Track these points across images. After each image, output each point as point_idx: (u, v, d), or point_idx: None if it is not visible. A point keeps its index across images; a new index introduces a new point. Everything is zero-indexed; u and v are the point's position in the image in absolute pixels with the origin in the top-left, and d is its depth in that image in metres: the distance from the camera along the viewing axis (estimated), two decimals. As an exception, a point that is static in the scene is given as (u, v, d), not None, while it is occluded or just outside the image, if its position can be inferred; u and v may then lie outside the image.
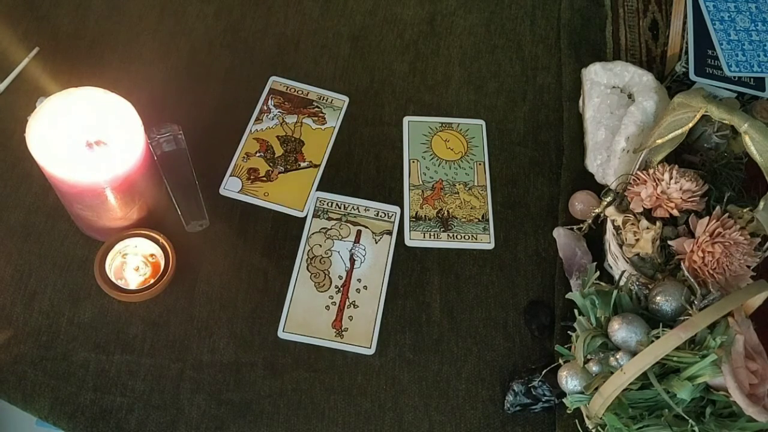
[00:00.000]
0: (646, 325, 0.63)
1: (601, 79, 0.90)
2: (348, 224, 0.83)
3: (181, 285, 0.77)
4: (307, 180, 0.85)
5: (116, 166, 0.66)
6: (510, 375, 0.76)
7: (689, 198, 0.72)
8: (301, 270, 0.79)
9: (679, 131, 0.73)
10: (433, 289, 0.80)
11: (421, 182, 0.87)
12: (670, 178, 0.72)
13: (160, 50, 0.93)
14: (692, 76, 0.86)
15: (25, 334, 0.73)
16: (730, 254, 0.68)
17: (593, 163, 0.86)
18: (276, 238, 0.81)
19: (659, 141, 0.74)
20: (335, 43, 0.96)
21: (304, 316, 0.77)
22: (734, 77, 0.87)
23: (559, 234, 0.83)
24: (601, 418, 0.64)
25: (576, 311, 0.70)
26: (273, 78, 0.92)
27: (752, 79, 0.87)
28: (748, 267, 0.69)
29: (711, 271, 0.68)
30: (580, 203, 0.83)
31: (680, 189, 0.72)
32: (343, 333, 0.76)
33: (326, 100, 0.91)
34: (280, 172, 0.85)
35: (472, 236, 0.83)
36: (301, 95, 0.91)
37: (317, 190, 0.85)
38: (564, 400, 0.67)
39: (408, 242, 0.83)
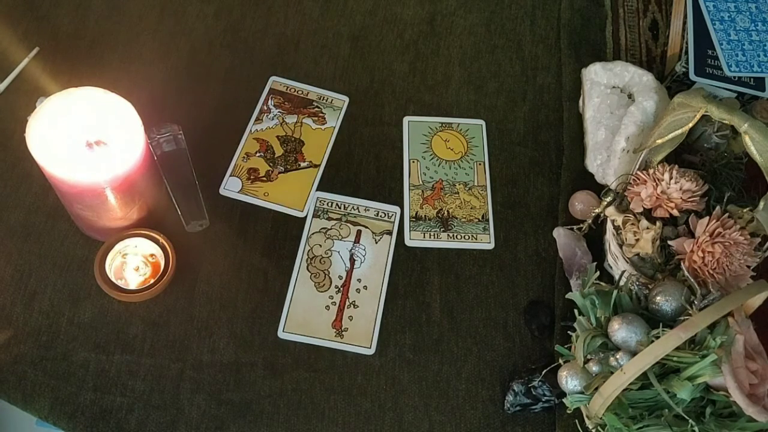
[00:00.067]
0: (646, 325, 0.63)
1: (601, 79, 0.90)
2: (348, 224, 0.83)
3: (181, 285, 0.77)
4: (307, 180, 0.85)
5: (116, 166, 0.66)
6: (510, 375, 0.76)
7: (689, 198, 0.72)
8: (301, 270, 0.79)
9: (679, 131, 0.73)
10: (433, 289, 0.80)
11: (421, 182, 0.87)
12: (670, 178, 0.72)
13: (160, 50, 0.93)
14: (692, 76, 0.86)
15: (25, 334, 0.73)
16: (730, 254, 0.68)
17: (593, 163, 0.86)
18: (276, 238, 0.81)
19: (659, 141, 0.74)
20: (335, 43, 0.96)
21: (304, 316, 0.77)
22: (734, 77, 0.87)
23: (559, 234, 0.83)
24: (601, 418, 0.64)
25: (576, 311, 0.70)
26: (273, 78, 0.92)
27: (752, 79, 0.87)
28: (748, 267, 0.69)
29: (711, 271, 0.68)
30: (580, 203, 0.83)
31: (680, 189, 0.72)
32: (343, 333, 0.76)
33: (326, 100, 0.91)
34: (280, 172, 0.85)
35: (472, 236, 0.83)
36: (301, 95, 0.91)
37: (317, 190, 0.85)
38: (564, 400, 0.67)
39: (408, 242, 0.83)
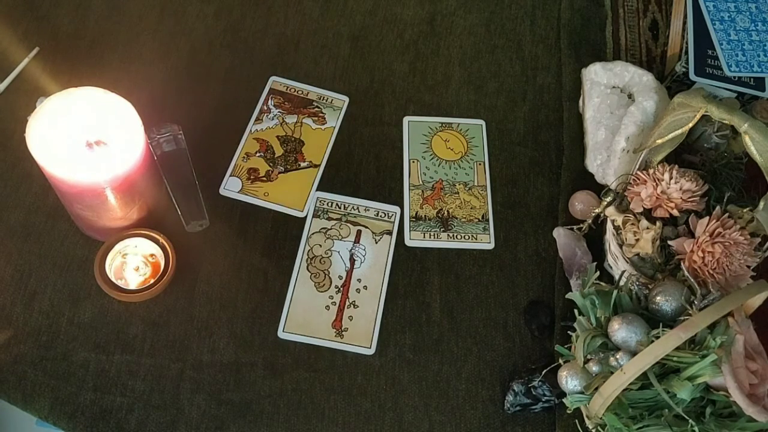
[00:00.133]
0: (646, 325, 0.63)
1: (601, 79, 0.90)
2: (348, 224, 0.83)
3: (181, 285, 0.77)
4: (307, 180, 0.85)
5: (116, 166, 0.66)
6: (510, 375, 0.76)
7: (689, 198, 0.72)
8: (301, 270, 0.79)
9: (679, 131, 0.73)
10: (433, 289, 0.80)
11: (421, 182, 0.87)
12: (670, 178, 0.72)
13: (160, 50, 0.93)
14: (692, 76, 0.86)
15: (25, 334, 0.73)
16: (730, 254, 0.68)
17: (593, 163, 0.86)
18: (276, 238, 0.81)
19: (659, 141, 0.74)
20: (335, 43, 0.96)
21: (304, 316, 0.77)
22: (734, 77, 0.87)
23: (559, 234, 0.83)
24: (601, 418, 0.64)
25: (576, 311, 0.70)
26: (273, 78, 0.92)
27: (752, 79, 0.87)
28: (748, 267, 0.69)
29: (711, 271, 0.68)
30: (580, 203, 0.83)
31: (680, 189, 0.72)
32: (343, 333, 0.76)
33: (326, 100, 0.91)
34: (280, 172, 0.85)
35: (472, 236, 0.83)
36: (301, 95, 0.91)
37: (317, 190, 0.85)
38: (564, 400, 0.67)
39: (408, 242, 0.83)
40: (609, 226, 0.77)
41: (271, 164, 0.86)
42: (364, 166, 0.87)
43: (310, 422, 0.72)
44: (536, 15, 1.02)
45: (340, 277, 0.79)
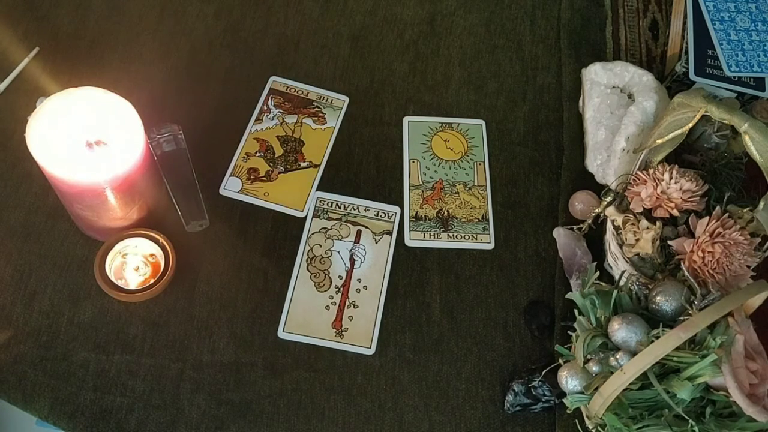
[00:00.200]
0: (646, 325, 0.63)
1: (601, 79, 0.90)
2: (348, 224, 0.83)
3: (181, 285, 0.77)
4: (307, 180, 0.85)
5: (116, 166, 0.66)
6: (510, 375, 0.76)
7: (689, 198, 0.72)
8: (301, 270, 0.79)
9: (679, 131, 0.73)
10: (433, 289, 0.80)
11: (421, 182, 0.87)
12: (670, 178, 0.72)
13: (160, 50, 0.93)
14: (692, 76, 0.86)
15: (25, 334, 0.73)
16: (730, 254, 0.68)
17: (593, 163, 0.86)
18: (276, 238, 0.81)
19: (659, 141, 0.74)
20: (335, 43, 0.96)
21: (304, 316, 0.77)
22: (734, 77, 0.87)
23: (559, 234, 0.83)
24: (601, 418, 0.64)
25: (576, 311, 0.70)
26: (273, 78, 0.92)
27: (752, 79, 0.87)
28: (748, 267, 0.69)
29: (711, 271, 0.68)
30: (580, 203, 0.83)
31: (680, 189, 0.72)
32: (343, 333, 0.76)
33: (326, 100, 0.91)
34: (280, 172, 0.85)
35: (472, 236, 0.83)
36: (301, 95, 0.91)
37: (317, 190, 0.85)
38: (564, 400, 0.67)
39: (408, 242, 0.83)
40: (609, 226, 0.77)
41: (271, 164, 0.86)
42: (364, 166, 0.87)
43: (310, 422, 0.72)
44: (536, 15, 1.02)
45: (340, 277, 0.79)
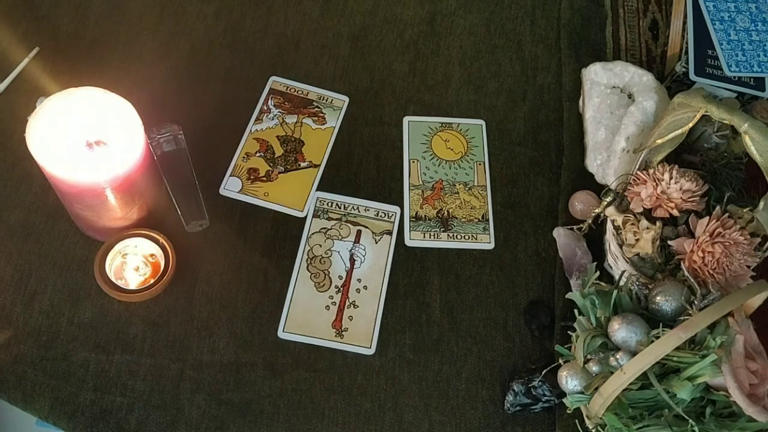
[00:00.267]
0: (646, 325, 0.63)
1: (601, 79, 0.90)
2: (348, 224, 0.83)
3: (181, 285, 0.77)
4: (307, 180, 0.85)
5: (116, 166, 0.66)
6: (510, 375, 0.76)
7: (689, 198, 0.72)
8: (301, 270, 0.79)
9: (679, 131, 0.73)
10: (433, 289, 0.80)
11: (421, 182, 0.87)
12: (670, 178, 0.72)
13: (160, 50, 0.93)
14: (692, 76, 0.86)
15: (25, 334, 0.73)
16: (730, 254, 0.68)
17: (593, 163, 0.86)
18: (276, 238, 0.81)
19: (659, 141, 0.74)
20: (335, 43, 0.96)
21: (304, 316, 0.77)
22: (734, 77, 0.87)
23: (559, 234, 0.83)
24: (601, 418, 0.64)
25: (576, 311, 0.70)
26: (273, 78, 0.92)
27: (752, 79, 0.87)
28: (748, 267, 0.69)
29: (711, 271, 0.68)
30: (580, 203, 0.83)
31: (680, 189, 0.72)
32: (343, 333, 0.76)
33: (326, 100, 0.91)
34: (280, 172, 0.85)
35: (472, 236, 0.83)
36: (301, 95, 0.91)
37: (317, 190, 0.85)
38: (564, 400, 0.67)
39: (408, 242, 0.83)
40: (609, 226, 0.77)
41: (271, 164, 0.86)
42: (364, 166, 0.87)
43: (310, 422, 0.72)
44: (536, 15, 1.02)
45: (340, 277, 0.79)
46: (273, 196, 0.84)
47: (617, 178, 0.80)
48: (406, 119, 0.91)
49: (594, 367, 0.64)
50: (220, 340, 0.75)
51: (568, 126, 0.91)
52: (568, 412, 0.68)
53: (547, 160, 0.90)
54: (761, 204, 0.69)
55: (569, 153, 0.89)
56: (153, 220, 0.77)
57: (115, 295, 0.72)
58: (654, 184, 0.73)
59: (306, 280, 0.79)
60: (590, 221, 0.81)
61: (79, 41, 0.92)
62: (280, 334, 0.76)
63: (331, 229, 0.82)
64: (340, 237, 0.82)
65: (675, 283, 0.66)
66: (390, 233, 0.83)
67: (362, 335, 0.76)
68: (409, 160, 0.88)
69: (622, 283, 0.69)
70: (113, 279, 0.74)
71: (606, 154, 0.85)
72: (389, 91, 0.93)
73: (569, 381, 0.66)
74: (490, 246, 0.83)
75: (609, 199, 0.78)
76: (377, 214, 0.84)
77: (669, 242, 0.72)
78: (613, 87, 0.90)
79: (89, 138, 0.66)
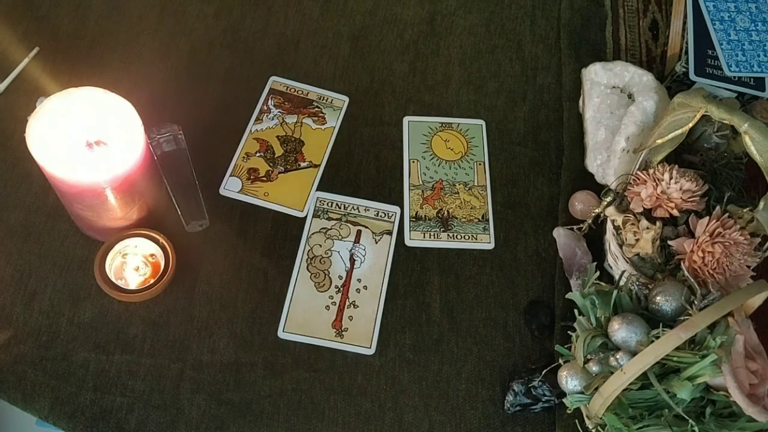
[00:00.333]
0: (646, 325, 0.63)
1: (601, 79, 0.90)
2: (348, 224, 0.83)
3: (181, 285, 0.77)
4: (307, 180, 0.85)
5: (116, 166, 0.66)
6: (510, 375, 0.76)
7: (689, 198, 0.72)
8: (301, 270, 0.79)
9: (679, 131, 0.73)
10: (433, 289, 0.80)
11: (421, 182, 0.87)
12: (670, 178, 0.72)
13: (160, 50, 0.93)
14: (692, 76, 0.86)
15: (25, 334, 0.73)
16: (730, 254, 0.68)
17: (593, 163, 0.86)
18: (276, 238, 0.81)
19: (659, 141, 0.74)
20: (335, 43, 0.96)
21: (304, 316, 0.77)
22: (734, 77, 0.87)
23: (559, 234, 0.83)
24: (601, 418, 0.64)
25: (576, 311, 0.70)
26: (273, 78, 0.92)
27: (752, 79, 0.87)
28: (748, 267, 0.69)
29: (711, 271, 0.68)
30: (580, 203, 0.83)
31: (680, 189, 0.72)
32: (343, 333, 0.76)
33: (326, 100, 0.91)
34: (280, 172, 0.85)
35: (472, 236, 0.83)
36: (301, 95, 0.91)
37: (317, 190, 0.85)
38: (564, 400, 0.67)
39: (408, 242, 0.83)
40: (609, 226, 0.77)
41: (271, 164, 0.86)
42: (364, 166, 0.87)
43: (310, 422, 0.72)
44: (536, 15, 1.02)
45: (340, 277, 0.79)
46: (273, 196, 0.84)
47: (617, 178, 0.80)
48: (406, 119, 0.91)
49: (594, 367, 0.64)
50: (220, 340, 0.75)
51: (568, 126, 0.91)
52: (568, 412, 0.68)
53: (547, 160, 0.90)
54: (761, 204, 0.69)
55: (569, 153, 0.89)
56: (153, 220, 0.77)
57: (115, 295, 0.72)
58: (654, 184, 0.73)
59: (306, 280, 0.79)
60: (590, 221, 0.81)
61: (79, 41, 0.92)
62: (280, 334, 0.76)
63: (331, 229, 0.82)
64: (340, 237, 0.82)
65: (675, 283, 0.66)
66: (390, 233, 0.83)
67: (362, 335, 0.76)
68: (409, 160, 0.88)
69: (622, 283, 0.69)
70: (113, 279, 0.74)
71: (606, 154, 0.85)
72: (389, 91, 0.93)
73: (569, 381, 0.66)
74: (490, 246, 0.83)
75: (609, 199, 0.78)
76: (377, 214, 0.84)
77: (669, 242, 0.72)
78: (613, 87, 0.90)
79: (89, 138, 0.66)
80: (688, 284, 0.66)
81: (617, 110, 0.87)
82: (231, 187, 0.84)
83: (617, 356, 0.62)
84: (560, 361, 0.70)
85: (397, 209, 0.84)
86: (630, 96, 0.89)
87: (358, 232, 0.82)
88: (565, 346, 0.70)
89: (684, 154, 0.83)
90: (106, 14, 0.95)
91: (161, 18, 0.95)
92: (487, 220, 0.85)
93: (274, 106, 0.90)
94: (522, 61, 0.97)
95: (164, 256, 0.75)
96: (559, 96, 0.94)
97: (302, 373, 0.74)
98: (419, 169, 0.88)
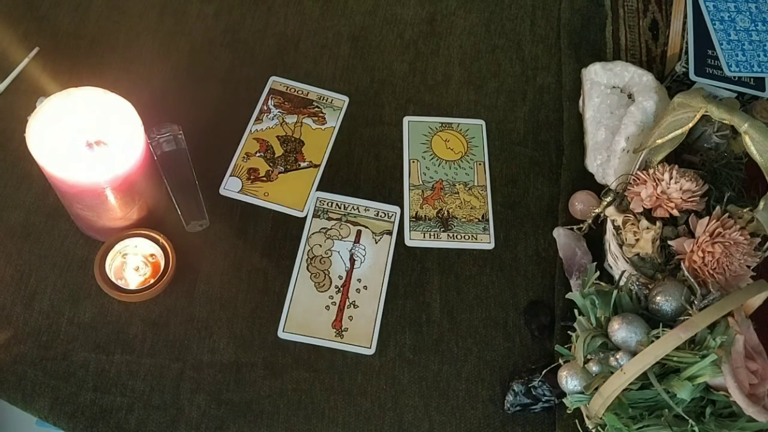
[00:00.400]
0: (646, 325, 0.63)
1: (601, 79, 0.90)
2: (348, 224, 0.83)
3: (181, 285, 0.77)
4: (307, 180, 0.85)
5: (116, 166, 0.66)
6: (510, 375, 0.76)
7: (689, 198, 0.72)
8: (301, 270, 0.79)
9: (679, 131, 0.73)
10: (433, 289, 0.80)
11: (421, 182, 0.87)
12: (670, 178, 0.72)
13: (160, 50, 0.93)
14: (692, 76, 0.86)
15: (25, 334, 0.73)
16: (730, 254, 0.68)
17: (593, 163, 0.86)
18: (276, 238, 0.81)
19: (659, 141, 0.74)
20: (335, 43, 0.96)
21: (304, 316, 0.77)
22: (734, 77, 0.87)
23: (559, 234, 0.83)
24: (601, 418, 0.64)
25: (576, 311, 0.70)
26: (273, 78, 0.92)
27: (752, 79, 0.87)
28: (748, 267, 0.69)
29: (711, 271, 0.68)
30: (580, 203, 0.83)
31: (680, 189, 0.72)
32: (343, 333, 0.76)
33: (326, 100, 0.91)
34: (280, 172, 0.85)
35: (472, 236, 0.83)
36: (301, 95, 0.91)
37: (317, 190, 0.85)
38: (564, 400, 0.67)
39: (408, 242, 0.83)
40: (609, 226, 0.77)
41: (271, 164, 0.86)
42: (364, 166, 0.87)
43: (310, 422, 0.72)
44: (536, 15, 1.02)
45: (340, 277, 0.79)
46: (273, 196, 0.84)
47: (617, 178, 0.80)
48: (406, 119, 0.91)
49: (594, 367, 0.64)
50: (220, 340, 0.75)
51: (568, 126, 0.91)
52: (568, 412, 0.68)
53: (547, 160, 0.90)
54: (761, 204, 0.69)
55: (569, 153, 0.89)
56: (153, 220, 0.77)
57: (115, 295, 0.72)
58: (654, 184, 0.73)
59: (306, 280, 0.79)
60: (590, 221, 0.81)
61: (79, 41, 0.92)
62: (280, 334, 0.76)
63: (331, 229, 0.82)
64: (340, 237, 0.82)
65: (675, 283, 0.66)
66: (390, 233, 0.83)
67: (362, 335, 0.76)
68: (409, 160, 0.88)
69: (622, 283, 0.69)
70: (113, 279, 0.74)
71: (606, 154, 0.85)
72: (389, 91, 0.93)
73: (569, 381, 0.66)
74: (490, 246, 0.83)
75: (609, 199, 0.78)
76: (377, 214, 0.84)
77: (669, 242, 0.72)
78: (613, 87, 0.90)
79: (89, 138, 0.66)
80: (688, 284, 0.66)
81: (617, 110, 0.87)
82: (231, 187, 0.84)
83: (617, 356, 0.62)
84: (560, 361, 0.70)
85: (397, 209, 0.84)
86: (630, 96, 0.89)
87: (358, 232, 0.82)
88: (565, 346, 0.70)
89: (684, 154, 0.83)
90: (106, 14, 0.95)
91: (161, 18, 0.95)
92: (487, 220, 0.85)
93: (274, 106, 0.90)
94: (522, 61, 0.97)
95: (164, 256, 0.75)
96: (559, 96, 0.94)
97: (302, 373, 0.74)
98: (419, 169, 0.88)
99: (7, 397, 0.70)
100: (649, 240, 0.72)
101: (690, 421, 0.60)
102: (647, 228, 0.73)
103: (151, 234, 0.75)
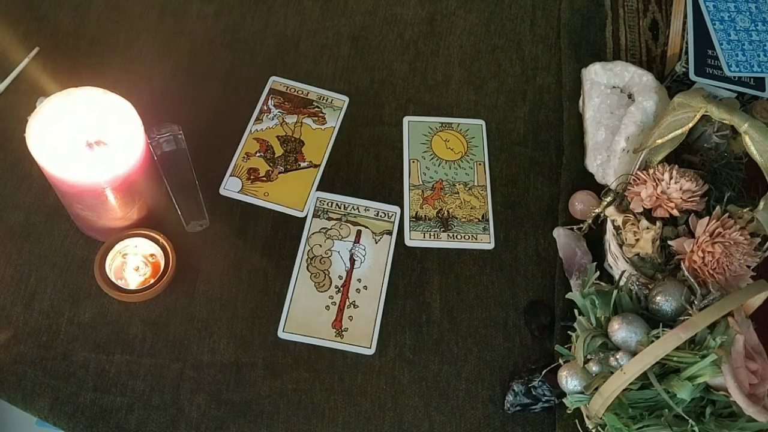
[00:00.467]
0: (646, 325, 0.63)
1: (601, 79, 0.90)
2: (348, 224, 0.83)
3: (181, 285, 0.77)
4: (307, 180, 0.85)
5: (116, 166, 0.66)
6: (510, 375, 0.76)
7: (689, 198, 0.72)
8: (301, 270, 0.79)
9: (679, 131, 0.73)
10: (433, 289, 0.80)
11: (421, 182, 0.87)
12: (670, 178, 0.72)
13: (160, 50, 0.93)
14: (692, 76, 0.86)
15: (25, 334, 0.73)
16: (730, 254, 0.68)
17: (593, 163, 0.86)
18: (276, 238, 0.81)
19: (659, 141, 0.74)
20: (335, 43, 0.96)
21: (304, 316, 0.77)
22: (734, 77, 0.87)
23: (559, 234, 0.83)
24: (601, 418, 0.64)
25: (576, 311, 0.70)
26: (273, 78, 0.92)
27: (752, 79, 0.87)
28: (748, 267, 0.69)
29: (711, 271, 0.68)
30: (580, 203, 0.83)
31: (680, 189, 0.72)
32: (343, 333, 0.76)
33: (326, 100, 0.91)
34: (280, 172, 0.85)
35: (472, 236, 0.83)
36: (301, 95, 0.91)
37: (317, 190, 0.85)
38: (564, 400, 0.67)
39: (408, 242, 0.83)
40: (609, 226, 0.77)
41: (271, 164, 0.86)
42: (364, 166, 0.87)
43: (310, 422, 0.72)
44: (536, 15, 1.02)
45: (340, 277, 0.79)
46: (273, 196, 0.84)
47: (617, 178, 0.80)
48: (406, 119, 0.91)
49: (594, 367, 0.64)
50: (220, 340, 0.75)
51: (568, 126, 0.91)
52: (568, 412, 0.68)
53: (547, 160, 0.90)
54: (761, 204, 0.69)
55: (569, 153, 0.89)
56: (153, 220, 0.77)
57: (115, 295, 0.72)
58: (654, 184, 0.73)
59: (306, 280, 0.79)
60: (590, 221, 0.81)
61: (79, 41, 0.92)
62: (280, 334, 0.76)
63: (331, 229, 0.82)
64: (340, 237, 0.82)
65: (675, 283, 0.66)
66: (390, 233, 0.83)
67: (362, 335, 0.76)
68: (409, 160, 0.88)
69: (622, 283, 0.69)
70: (113, 279, 0.74)
71: (606, 154, 0.85)
72: (389, 91, 0.93)
73: (569, 381, 0.66)
74: (490, 246, 0.83)
75: (609, 199, 0.78)
76: (377, 214, 0.84)
77: (669, 242, 0.72)
78: (613, 87, 0.90)
79: (89, 138, 0.66)
80: (688, 284, 0.66)
81: (617, 110, 0.87)
82: (231, 187, 0.84)
83: (617, 356, 0.62)
84: (560, 361, 0.70)
85: (397, 209, 0.84)
86: (630, 96, 0.89)
87: (358, 232, 0.82)
88: (565, 346, 0.70)
89: (684, 154, 0.83)
90: (106, 14, 0.95)
91: (161, 18, 0.95)
92: (487, 220, 0.85)
93: (274, 106, 0.90)
94: (522, 61, 0.97)
95: (164, 256, 0.75)
96: (559, 96, 0.94)
97: (302, 373, 0.74)
98: (419, 169, 0.88)
99: (7, 397, 0.70)
100: (649, 240, 0.72)
101: (690, 421, 0.60)
102: (647, 228, 0.73)
103: (151, 234, 0.75)
